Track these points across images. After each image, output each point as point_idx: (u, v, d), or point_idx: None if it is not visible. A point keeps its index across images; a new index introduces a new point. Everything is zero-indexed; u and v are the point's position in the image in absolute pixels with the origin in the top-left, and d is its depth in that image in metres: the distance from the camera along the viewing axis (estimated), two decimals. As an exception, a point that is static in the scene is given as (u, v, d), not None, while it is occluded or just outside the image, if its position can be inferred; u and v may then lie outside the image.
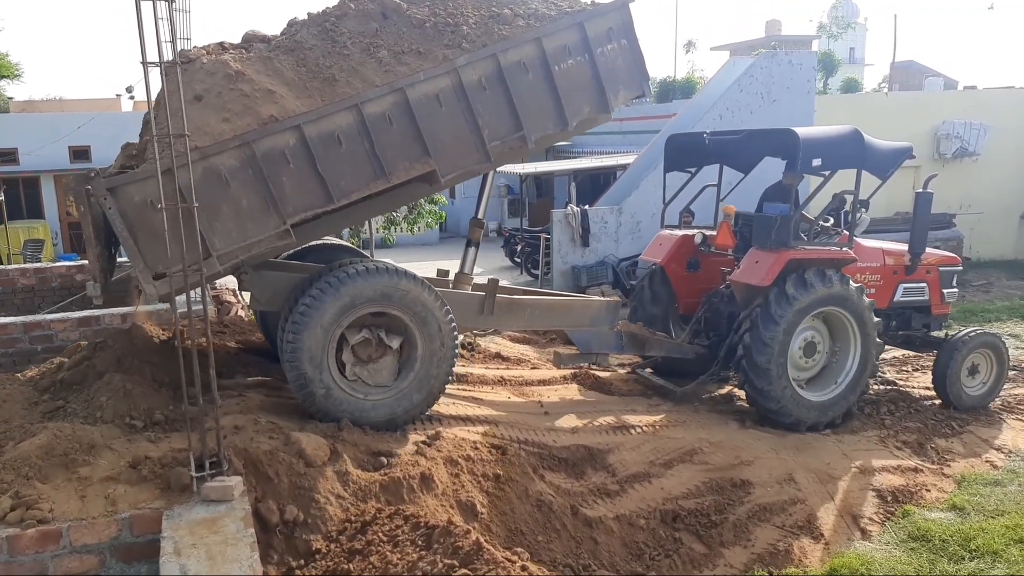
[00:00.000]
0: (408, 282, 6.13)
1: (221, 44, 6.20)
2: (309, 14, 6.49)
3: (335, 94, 5.78)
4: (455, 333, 6.40)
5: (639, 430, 7.10)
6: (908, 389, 8.97)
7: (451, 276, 7.81)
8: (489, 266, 18.64)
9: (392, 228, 15.87)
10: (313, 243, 7.79)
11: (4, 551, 3.84)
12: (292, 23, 6.48)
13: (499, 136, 6.35)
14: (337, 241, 8.68)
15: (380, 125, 5.80)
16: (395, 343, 6.21)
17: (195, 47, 5.86)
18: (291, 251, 7.53)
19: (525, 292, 8.06)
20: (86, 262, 9.16)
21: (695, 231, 8.82)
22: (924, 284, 8.64)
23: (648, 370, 8.89)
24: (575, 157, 25.51)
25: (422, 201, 15.17)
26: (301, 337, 5.82)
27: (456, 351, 6.45)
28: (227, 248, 5.48)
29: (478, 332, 9.65)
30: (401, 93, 5.84)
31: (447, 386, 6.54)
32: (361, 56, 6.08)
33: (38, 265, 10.08)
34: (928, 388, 8.90)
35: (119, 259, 6.91)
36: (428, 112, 5.97)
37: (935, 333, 8.93)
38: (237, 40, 6.37)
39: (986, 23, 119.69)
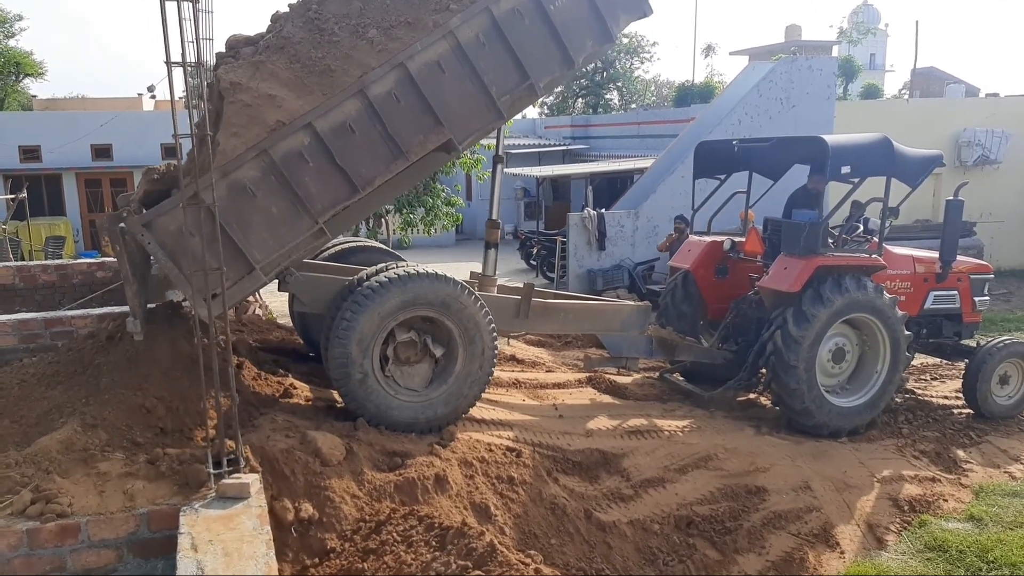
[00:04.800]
0: (468, 298, 6.18)
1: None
2: (290, 5, 6.27)
3: (335, 84, 5.66)
4: (495, 360, 6.44)
5: (654, 435, 7.08)
6: (927, 398, 8.89)
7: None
8: (504, 268, 18.49)
9: (409, 229, 15.92)
10: (352, 245, 7.81)
11: (24, 545, 3.88)
12: (275, 18, 6.25)
13: (507, 89, 6.23)
14: (376, 244, 8.73)
15: (388, 104, 5.71)
16: (438, 352, 6.25)
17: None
18: (331, 252, 7.57)
19: (558, 296, 8.06)
20: (107, 259, 9.26)
21: (724, 237, 8.81)
22: (955, 292, 8.55)
23: (677, 375, 8.88)
24: (592, 160, 25.51)
25: (439, 203, 15.23)
26: (359, 318, 5.85)
27: (490, 378, 6.47)
28: (268, 258, 5.48)
29: (512, 336, 9.67)
30: (402, 68, 5.72)
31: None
32: (351, 40, 5.91)
33: (59, 262, 10.16)
34: (946, 397, 8.82)
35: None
36: (432, 81, 5.85)
37: (966, 341, 8.83)
38: (220, 48, 6.11)
39: (1008, 30, 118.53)
